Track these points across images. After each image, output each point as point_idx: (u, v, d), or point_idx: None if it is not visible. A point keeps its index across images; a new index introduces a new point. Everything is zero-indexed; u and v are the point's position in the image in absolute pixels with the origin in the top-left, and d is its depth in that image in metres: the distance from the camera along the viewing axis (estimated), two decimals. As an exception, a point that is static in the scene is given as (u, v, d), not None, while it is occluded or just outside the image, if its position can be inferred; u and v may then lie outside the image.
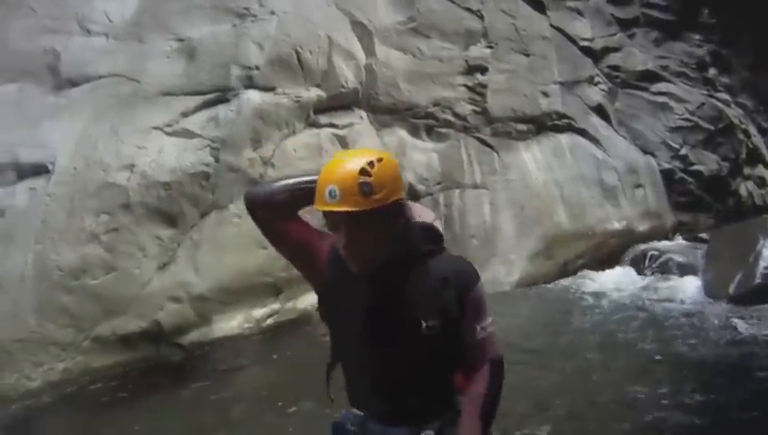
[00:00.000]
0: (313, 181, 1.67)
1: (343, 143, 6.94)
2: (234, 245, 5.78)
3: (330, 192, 1.55)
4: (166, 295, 5.31)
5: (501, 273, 7.64)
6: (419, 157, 7.59)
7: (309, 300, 6.36)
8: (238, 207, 5.82)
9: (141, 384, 4.79)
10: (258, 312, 6.01)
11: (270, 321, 6.07)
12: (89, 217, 5.08)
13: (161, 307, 5.27)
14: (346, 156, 1.65)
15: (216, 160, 5.77)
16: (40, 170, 5.22)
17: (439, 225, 1.84)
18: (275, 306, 6.16)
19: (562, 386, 4.25)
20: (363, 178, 1.53)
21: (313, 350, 5.38)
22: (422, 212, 1.83)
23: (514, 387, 4.38)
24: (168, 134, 5.71)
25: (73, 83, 5.76)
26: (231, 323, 5.75)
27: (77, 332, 4.89)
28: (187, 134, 5.77)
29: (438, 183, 7.69)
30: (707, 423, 3.70)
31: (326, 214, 1.59)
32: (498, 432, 3.46)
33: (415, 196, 7.35)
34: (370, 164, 1.55)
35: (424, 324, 1.65)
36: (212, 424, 4.10)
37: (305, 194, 1.73)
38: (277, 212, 1.76)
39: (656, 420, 3.78)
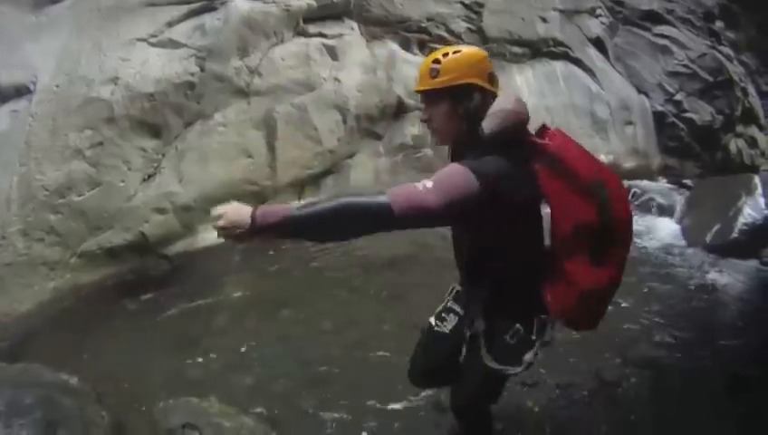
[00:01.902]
0: None
1: (332, 54, 7.19)
2: (218, 154, 6.10)
3: (415, 79, 2.18)
4: (150, 207, 5.61)
5: None
6: (410, 71, 7.83)
7: None
8: (224, 116, 6.14)
9: (128, 297, 5.13)
10: None
11: None
12: (72, 134, 5.23)
13: (146, 219, 5.58)
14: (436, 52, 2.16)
15: (202, 70, 5.98)
16: (22, 92, 5.30)
17: (509, 121, 2.08)
18: None
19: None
20: (434, 65, 2.09)
21: (295, 259, 5.98)
22: (508, 104, 2.11)
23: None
24: (153, 45, 5.85)
25: (54, 0, 5.78)
26: (215, 233, 5.97)
27: (64, 250, 5.15)
28: (173, 44, 5.93)
29: None
30: (665, 356, 4.14)
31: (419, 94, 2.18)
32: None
33: (403, 109, 7.75)
34: (445, 55, 2.10)
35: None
36: (197, 333, 4.52)
37: None
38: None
39: (617, 348, 4.20)
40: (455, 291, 2.54)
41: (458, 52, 2.10)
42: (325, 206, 1.77)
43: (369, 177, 7.60)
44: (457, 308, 2.50)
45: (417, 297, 5.10)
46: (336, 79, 7.11)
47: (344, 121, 7.20)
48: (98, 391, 3.40)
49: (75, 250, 5.20)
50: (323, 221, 1.78)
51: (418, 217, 1.80)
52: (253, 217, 1.78)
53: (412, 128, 7.92)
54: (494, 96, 2.12)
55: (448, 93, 2.07)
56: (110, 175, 5.37)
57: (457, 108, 2.08)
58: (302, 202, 1.73)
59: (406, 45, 8.07)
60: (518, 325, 2.23)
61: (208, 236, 5.99)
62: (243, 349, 4.23)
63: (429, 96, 2.12)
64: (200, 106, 5.99)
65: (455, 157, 2.17)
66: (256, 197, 6.46)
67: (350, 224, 1.81)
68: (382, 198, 1.77)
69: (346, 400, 3.52)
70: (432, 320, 2.57)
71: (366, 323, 4.59)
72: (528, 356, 2.24)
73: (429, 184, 1.83)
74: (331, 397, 3.56)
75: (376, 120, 7.58)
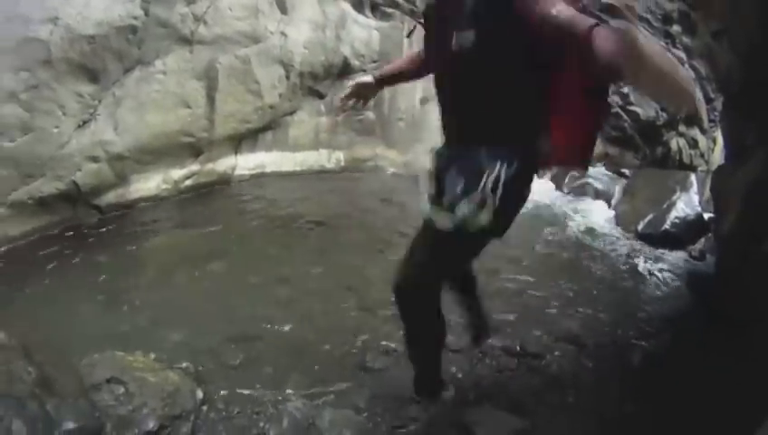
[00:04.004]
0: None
1: (282, 7, 7.27)
2: (156, 103, 6.13)
3: None
4: (84, 155, 5.60)
5: (421, 159, 8.09)
6: (359, 32, 8.04)
7: (228, 163, 7.07)
8: (164, 64, 6.17)
9: (58, 249, 5.10)
10: (176, 173, 6.52)
11: (188, 182, 6.63)
12: (7, 75, 5.10)
13: (79, 168, 5.57)
14: None
15: (146, 14, 5.95)
16: (-43, 30, 5.20)
17: None
18: (194, 168, 6.70)
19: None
20: None
21: (228, 213, 6.15)
22: None
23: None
24: (98, -15, 5.78)
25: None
26: (149, 184, 6.25)
27: None
28: (118, -15, 5.88)
29: (374, 61, 8.21)
30: (588, 333, 4.27)
31: None
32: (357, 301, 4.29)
33: (348, 70, 7.90)
34: None
35: (454, 39, 1.89)
36: (126, 287, 4.57)
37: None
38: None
39: (543, 324, 4.31)
40: None
41: None
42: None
43: (308, 135, 7.85)
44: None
45: (347, 257, 5.34)
46: (283, 33, 7.23)
47: (287, 77, 7.35)
48: (25, 346, 3.36)
49: (5, 200, 5.14)
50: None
51: None
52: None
53: (356, 89, 8.00)
54: None
55: None
56: (44, 120, 5.28)
57: None
58: None
59: (359, 7, 8.19)
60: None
61: (141, 187, 6.07)
62: (171, 304, 4.30)
63: None
64: (141, 52, 5.99)
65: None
66: (192, 148, 6.59)
67: None
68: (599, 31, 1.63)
69: (271, 356, 3.67)
70: None
71: (294, 281, 4.75)
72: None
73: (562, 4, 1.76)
74: (256, 354, 3.71)
75: (320, 79, 7.72)
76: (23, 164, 5.16)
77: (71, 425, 2.71)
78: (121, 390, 3.01)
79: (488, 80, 1.92)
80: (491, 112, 1.98)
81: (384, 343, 3.80)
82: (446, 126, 2.23)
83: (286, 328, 4.00)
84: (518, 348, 3.80)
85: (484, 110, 1.99)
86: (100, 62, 5.61)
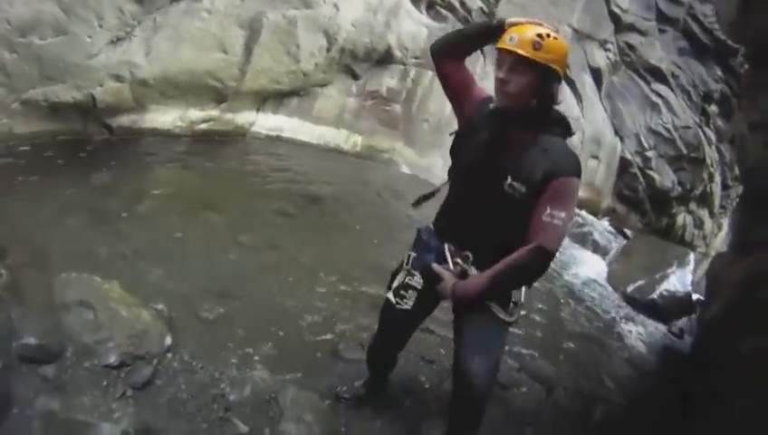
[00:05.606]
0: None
1: None
2: (194, 39, 6.02)
3: (511, 38, 2.22)
4: (109, 72, 5.48)
5: (438, 166, 8.23)
6: (409, 25, 7.97)
7: (247, 117, 7.00)
8: (212, 3, 6.03)
9: (59, 158, 5.01)
10: (195, 114, 6.43)
11: (204, 126, 6.54)
12: (53, -30, 4.98)
13: (101, 83, 5.45)
14: (534, 24, 2.26)
15: None
16: None
17: (571, 122, 2.43)
18: (214, 113, 6.62)
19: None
20: (538, 38, 2.17)
21: (234, 168, 6.03)
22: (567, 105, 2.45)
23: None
24: None
25: None
26: (165, 117, 6.15)
27: (8, 92, 4.96)
28: None
29: (416, 57, 8.17)
30: (555, 376, 4.28)
31: (501, 52, 2.25)
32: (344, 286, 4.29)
33: (388, 59, 7.87)
34: (548, 34, 2.19)
35: (508, 181, 2.31)
36: (117, 212, 4.49)
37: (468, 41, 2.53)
38: (450, 56, 2.53)
39: (514, 354, 4.33)
40: (411, 259, 2.66)
41: (557, 37, 2.24)
42: (507, 279, 2.34)
43: (333, 111, 7.79)
44: (416, 283, 2.62)
45: (343, 241, 5.29)
46: (336, 6, 7.14)
47: (328, 50, 7.26)
48: (2, 246, 3.26)
49: (20, 96, 5.02)
50: (511, 285, 2.45)
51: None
52: (453, 290, 2.42)
53: (390, 80, 8.09)
54: None
55: (540, 69, 2.20)
56: (79, 27, 5.15)
57: (539, 85, 2.24)
58: (477, 277, 2.40)
59: (416, 1, 8.14)
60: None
61: (157, 118, 5.98)
62: (158, 240, 4.21)
63: (520, 63, 2.21)
64: (193, -15, 5.87)
65: (504, 116, 2.34)
66: (217, 93, 6.48)
67: (525, 279, 2.43)
68: (541, 251, 2.23)
69: (246, 320, 3.59)
70: (391, 297, 2.66)
71: (285, 251, 4.67)
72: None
73: (563, 214, 2.23)
74: (232, 313, 3.62)
75: (359, 60, 7.66)
76: (46, 65, 5.02)
77: (31, 340, 2.63)
78: (91, 316, 2.91)
79: (511, 214, 2.33)
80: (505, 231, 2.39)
81: (365, 335, 3.68)
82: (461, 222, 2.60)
83: (267, 295, 3.92)
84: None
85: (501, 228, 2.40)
86: (150, -17, 5.50)
